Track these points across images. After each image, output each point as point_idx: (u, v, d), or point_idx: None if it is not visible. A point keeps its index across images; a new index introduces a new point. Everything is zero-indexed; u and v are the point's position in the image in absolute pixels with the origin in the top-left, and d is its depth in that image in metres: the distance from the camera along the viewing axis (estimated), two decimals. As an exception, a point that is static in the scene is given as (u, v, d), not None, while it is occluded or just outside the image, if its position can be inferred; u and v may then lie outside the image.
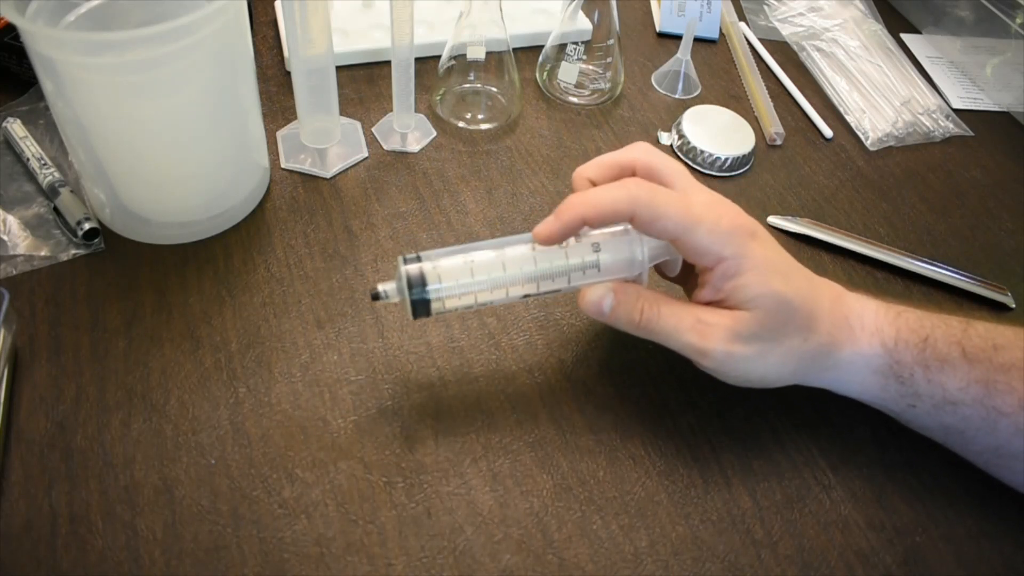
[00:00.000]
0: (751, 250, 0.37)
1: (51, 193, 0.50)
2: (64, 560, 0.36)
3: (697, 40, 0.72)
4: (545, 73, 0.65)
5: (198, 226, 0.50)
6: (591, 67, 0.64)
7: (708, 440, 0.44)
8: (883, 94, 0.68)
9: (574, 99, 0.64)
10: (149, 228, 0.49)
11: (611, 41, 0.63)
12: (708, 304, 0.39)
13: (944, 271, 0.54)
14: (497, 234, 0.53)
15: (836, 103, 0.68)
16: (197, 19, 0.40)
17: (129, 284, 0.47)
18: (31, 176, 0.52)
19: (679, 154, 0.61)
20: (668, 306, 0.39)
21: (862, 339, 0.40)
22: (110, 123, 0.44)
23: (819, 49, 0.73)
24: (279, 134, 0.58)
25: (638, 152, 0.40)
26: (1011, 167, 0.65)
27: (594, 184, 0.41)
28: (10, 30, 0.57)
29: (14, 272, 0.47)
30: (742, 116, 0.63)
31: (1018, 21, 0.69)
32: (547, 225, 0.38)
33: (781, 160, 0.62)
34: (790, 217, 0.57)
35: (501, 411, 0.44)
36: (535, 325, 0.48)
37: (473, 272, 0.39)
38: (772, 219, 0.57)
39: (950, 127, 0.67)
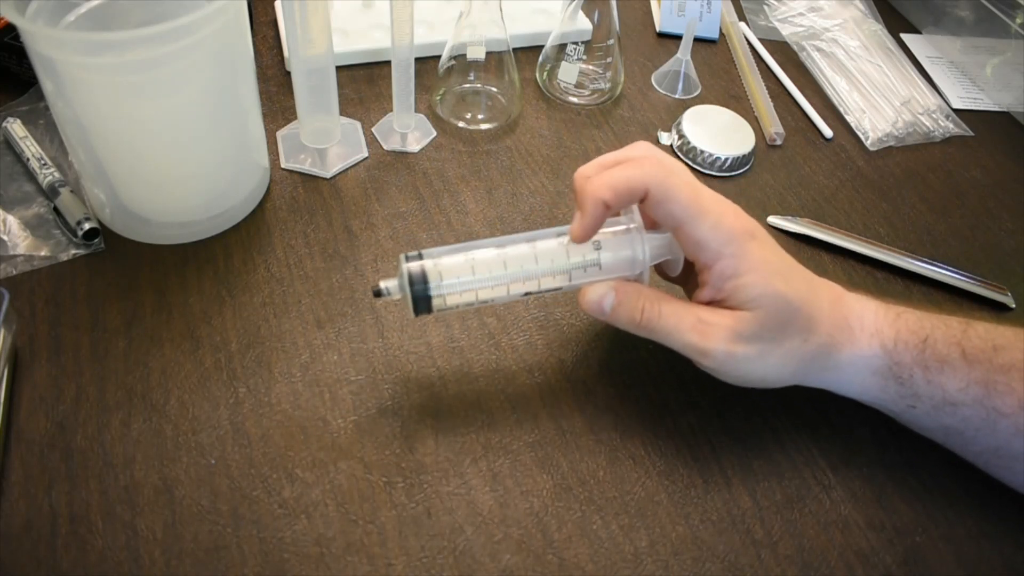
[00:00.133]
0: (751, 251, 0.37)
1: (51, 193, 0.50)
2: (64, 560, 0.36)
3: (697, 40, 0.72)
4: (545, 73, 0.65)
5: (198, 226, 0.50)
6: (591, 67, 0.64)
7: (708, 440, 0.44)
8: (883, 94, 0.68)
9: (574, 99, 0.64)
10: (149, 228, 0.49)
11: (611, 41, 0.63)
12: (708, 304, 0.39)
13: (944, 271, 0.54)
14: (497, 234, 0.53)
15: (836, 103, 0.68)
16: (197, 19, 0.40)
17: (129, 284, 0.47)
18: (31, 176, 0.52)
19: (679, 154, 0.61)
20: (669, 305, 0.39)
21: (862, 340, 0.40)
22: (110, 123, 0.44)
23: (819, 49, 0.73)
24: (279, 134, 0.58)
25: (639, 151, 0.40)
26: (1011, 167, 0.65)
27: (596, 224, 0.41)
28: (10, 30, 0.57)
29: (14, 272, 0.47)
30: (742, 116, 0.63)
31: (1018, 21, 0.69)
32: (577, 226, 0.38)
33: (781, 160, 0.62)
34: (790, 217, 0.57)
35: (501, 411, 0.44)
36: (535, 325, 0.48)
37: (474, 269, 0.39)
38: (772, 219, 0.57)
39: (950, 127, 0.67)
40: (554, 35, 0.64)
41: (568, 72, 0.63)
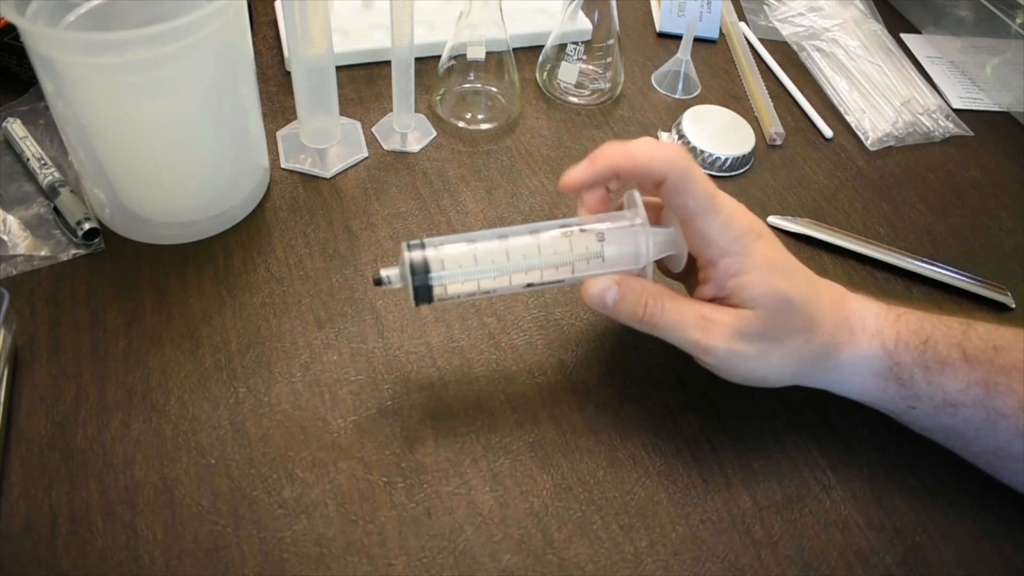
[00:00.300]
0: (756, 250, 0.37)
1: (51, 193, 0.50)
2: (64, 560, 0.36)
3: (697, 40, 0.72)
4: (545, 73, 0.65)
5: (198, 226, 0.50)
6: (591, 67, 0.64)
7: (708, 440, 0.44)
8: (883, 94, 0.68)
9: (574, 99, 0.64)
10: (149, 228, 0.49)
11: (611, 41, 0.63)
12: (710, 301, 0.39)
13: (944, 271, 0.54)
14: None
15: (836, 103, 0.68)
16: (197, 19, 0.40)
17: (129, 284, 0.47)
18: (31, 176, 0.52)
19: (679, 154, 0.61)
20: (672, 301, 0.39)
21: (862, 341, 0.40)
22: (110, 123, 0.44)
23: (819, 49, 0.73)
24: (279, 134, 0.58)
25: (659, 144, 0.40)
26: (1011, 167, 0.65)
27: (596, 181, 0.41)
28: (10, 30, 0.57)
29: (14, 272, 0.47)
30: (742, 116, 0.63)
31: (1018, 21, 0.69)
32: (577, 170, 0.38)
33: (781, 160, 0.62)
34: (790, 217, 0.57)
35: (501, 411, 0.44)
36: (535, 325, 0.48)
37: (476, 258, 0.39)
38: (772, 219, 0.57)
39: (950, 127, 0.67)
40: (554, 35, 0.64)
41: (568, 72, 0.63)
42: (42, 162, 0.52)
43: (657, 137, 0.63)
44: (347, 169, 0.56)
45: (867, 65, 0.71)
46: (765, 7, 0.78)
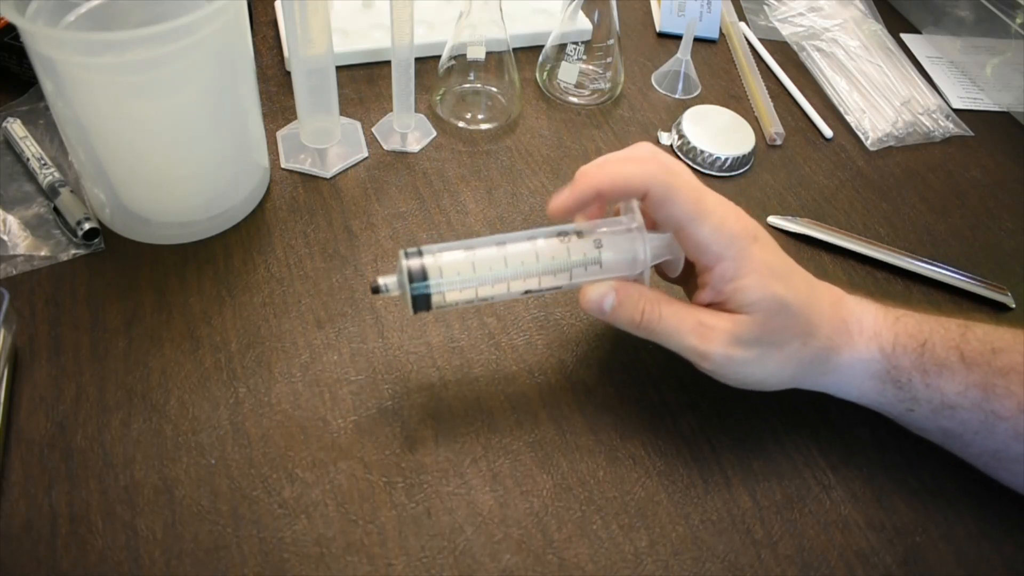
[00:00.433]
0: (752, 253, 0.37)
1: (51, 193, 0.50)
2: (64, 560, 0.36)
3: (697, 40, 0.72)
4: (545, 73, 0.65)
5: (198, 226, 0.50)
6: (591, 67, 0.64)
7: (708, 440, 0.44)
8: (883, 94, 0.68)
9: (574, 99, 0.64)
10: (149, 228, 0.49)
11: (611, 41, 0.63)
12: (708, 306, 0.39)
13: (944, 271, 0.54)
14: (497, 234, 0.53)
15: (836, 103, 0.68)
16: (197, 19, 0.40)
17: (129, 284, 0.47)
18: (31, 176, 0.52)
19: (679, 154, 0.61)
20: (669, 307, 0.39)
21: (860, 344, 0.40)
22: (110, 123, 0.44)
23: (819, 49, 0.73)
24: (279, 134, 0.58)
25: (642, 152, 0.40)
26: (1011, 167, 0.65)
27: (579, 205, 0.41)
28: (10, 30, 0.57)
29: (14, 272, 0.47)
30: (742, 116, 0.63)
31: (1018, 21, 0.69)
32: (560, 196, 0.38)
33: (781, 160, 0.62)
34: (790, 217, 0.57)
35: (501, 411, 0.44)
36: (535, 325, 0.48)
37: (475, 267, 0.39)
38: (772, 219, 0.57)
39: (950, 127, 0.67)
40: (554, 35, 0.64)
41: (568, 72, 0.63)
42: (42, 162, 0.52)
43: (657, 137, 0.63)
44: (347, 169, 0.56)
45: (867, 65, 0.71)
46: (765, 7, 0.78)
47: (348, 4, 0.68)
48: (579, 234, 0.39)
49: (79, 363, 0.43)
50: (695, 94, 0.67)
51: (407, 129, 0.59)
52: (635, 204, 0.40)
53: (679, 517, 0.40)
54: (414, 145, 0.59)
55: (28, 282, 0.47)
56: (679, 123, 0.62)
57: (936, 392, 0.39)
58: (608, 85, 0.65)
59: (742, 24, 0.75)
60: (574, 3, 0.62)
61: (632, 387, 0.46)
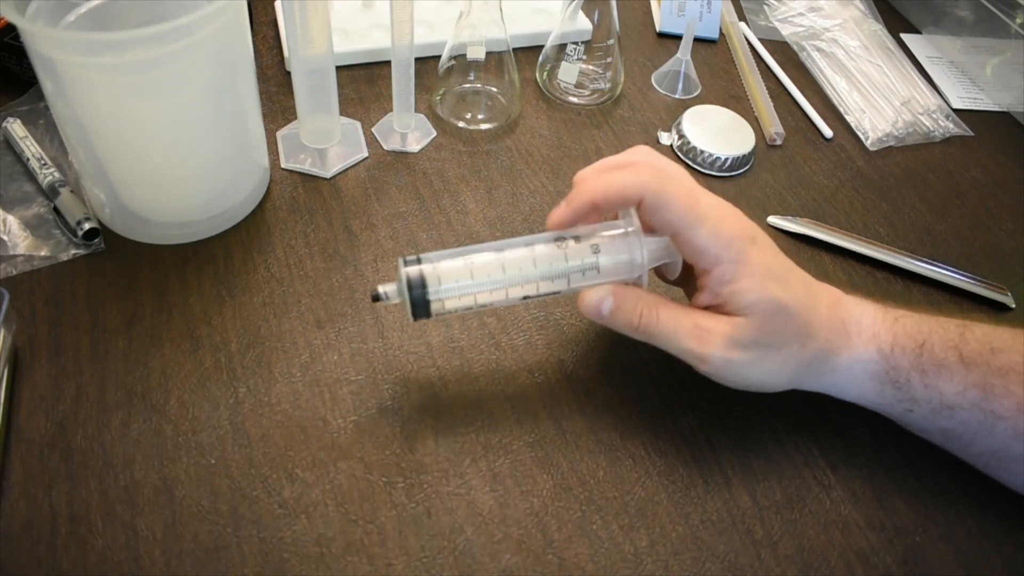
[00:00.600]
0: (750, 255, 0.37)
1: (51, 193, 0.50)
2: (64, 560, 0.36)
3: (697, 40, 0.72)
4: (545, 73, 0.65)
5: (198, 226, 0.50)
6: (591, 67, 0.64)
7: (708, 440, 0.44)
8: (883, 94, 0.68)
9: (574, 99, 0.64)
10: (149, 228, 0.49)
11: (611, 41, 0.63)
12: (707, 308, 0.39)
13: (944, 271, 0.54)
14: (497, 234, 0.53)
15: (836, 103, 0.68)
16: (197, 19, 0.40)
17: (129, 284, 0.47)
18: (31, 176, 0.52)
19: (679, 154, 0.61)
20: (667, 310, 0.39)
21: (858, 345, 0.40)
22: (110, 123, 0.44)
23: (819, 49, 0.73)
24: (279, 134, 0.58)
25: (639, 156, 0.40)
26: (1011, 167, 0.65)
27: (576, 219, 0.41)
28: (10, 30, 0.57)
29: (14, 272, 0.47)
30: (742, 116, 0.63)
31: (1018, 21, 0.69)
32: (558, 211, 0.39)
33: (781, 160, 0.62)
34: (790, 217, 0.57)
35: (501, 411, 0.44)
36: (535, 325, 0.48)
37: (473, 274, 0.39)
38: (772, 219, 0.57)
39: (950, 127, 0.67)
40: (554, 35, 0.64)
41: (568, 72, 0.63)
42: (42, 162, 0.52)
43: (657, 137, 0.63)
44: (347, 169, 0.56)
45: (867, 65, 0.71)
46: (765, 7, 0.78)
47: (348, 4, 0.68)
48: (576, 239, 0.40)
49: (79, 363, 0.43)
50: (695, 94, 0.67)
51: (407, 129, 0.59)
52: (632, 208, 0.40)
53: (679, 517, 0.40)
54: (414, 145, 0.59)
55: (28, 282, 0.47)
56: (679, 123, 0.62)
57: (935, 392, 0.39)
58: (608, 85, 0.65)
59: (742, 24, 0.75)
60: (574, 3, 0.62)
61: (632, 387, 0.46)
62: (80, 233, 0.48)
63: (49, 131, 0.55)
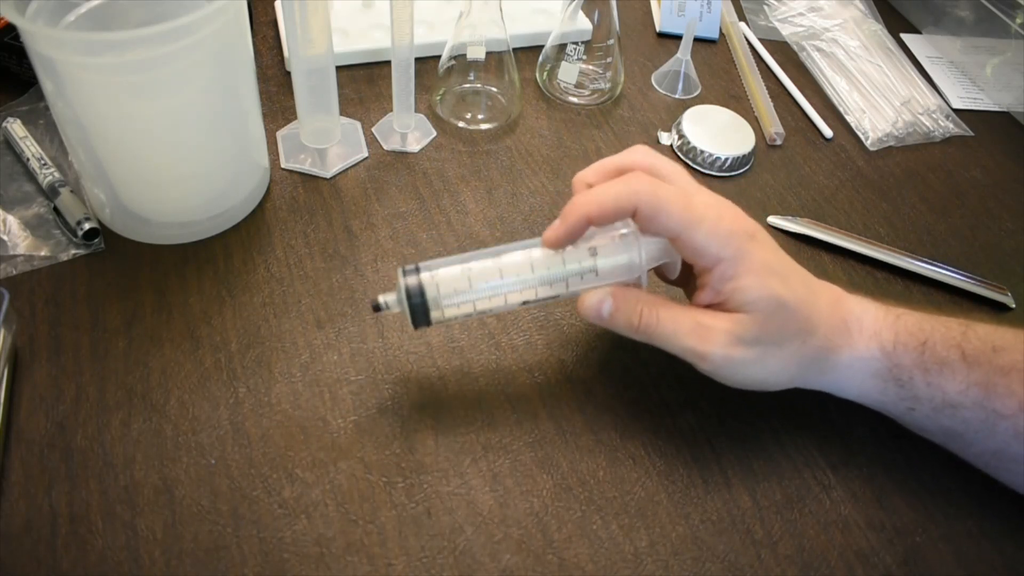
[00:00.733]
0: (750, 252, 0.37)
1: (51, 193, 0.50)
2: (64, 560, 0.36)
3: (697, 40, 0.72)
4: (545, 73, 0.65)
5: (198, 226, 0.50)
6: (591, 67, 0.64)
7: (708, 440, 0.44)
8: (883, 94, 0.68)
9: (574, 99, 0.64)
10: (149, 228, 0.49)
11: (611, 41, 0.63)
12: (707, 307, 0.39)
13: (944, 271, 0.54)
14: (497, 234, 0.53)
15: (836, 103, 0.68)
16: (197, 19, 0.40)
17: (129, 284, 0.47)
18: (31, 176, 0.52)
19: (679, 154, 0.61)
20: (667, 310, 0.39)
21: (860, 343, 0.40)
22: (110, 123, 0.44)
23: (819, 49, 0.73)
24: (279, 134, 0.58)
25: (638, 155, 0.40)
26: (1011, 167, 0.65)
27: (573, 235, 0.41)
28: (10, 30, 0.57)
29: (14, 272, 0.47)
30: (742, 116, 0.63)
31: (1018, 21, 0.69)
32: (554, 230, 0.39)
33: (781, 160, 0.62)
34: (790, 217, 0.57)
35: (501, 411, 0.44)
36: (535, 325, 0.48)
37: (471, 281, 0.39)
38: (772, 219, 0.57)
39: (950, 127, 0.67)
40: (554, 35, 0.64)
41: (568, 72, 0.63)
42: (42, 162, 0.52)
43: (657, 137, 0.63)
44: (347, 169, 0.56)
45: (867, 65, 0.71)
46: (765, 7, 0.78)
47: (348, 4, 0.68)
48: (575, 245, 0.40)
49: (79, 363, 0.43)
50: (695, 94, 0.67)
51: (407, 129, 0.59)
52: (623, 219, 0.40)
53: (679, 517, 0.40)
54: (414, 145, 0.59)
55: (28, 282, 0.47)
56: (679, 123, 0.62)
57: (937, 391, 0.39)
58: (608, 85, 0.65)
59: (742, 24, 0.75)
60: (574, 3, 0.62)
61: (632, 387, 0.46)
62: (80, 233, 0.48)
63: (49, 131, 0.55)
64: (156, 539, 0.37)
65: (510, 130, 0.61)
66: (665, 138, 0.63)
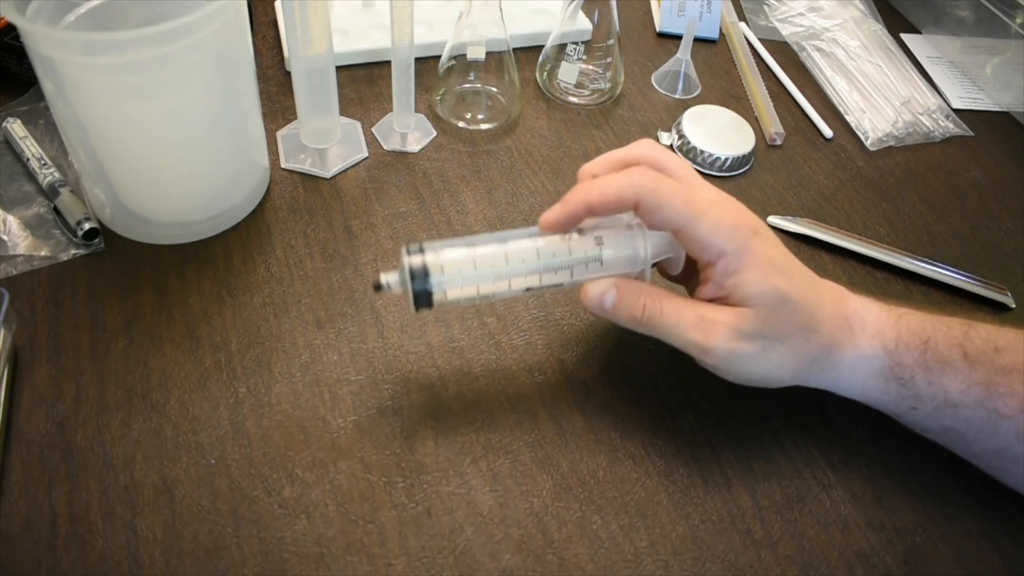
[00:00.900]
0: (753, 247, 0.37)
1: (51, 193, 0.50)
2: (64, 560, 0.36)
3: (697, 40, 0.72)
4: (545, 73, 0.65)
5: (198, 226, 0.50)
6: (591, 67, 0.64)
7: (708, 440, 0.44)
8: (883, 94, 0.68)
9: (574, 99, 0.64)
10: (149, 228, 0.49)
11: (611, 41, 0.63)
12: (710, 301, 0.39)
13: (944, 271, 0.54)
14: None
15: (836, 103, 0.68)
16: (197, 19, 0.40)
17: (129, 284, 0.47)
18: (31, 176, 0.52)
19: (679, 154, 0.61)
20: (671, 302, 0.39)
21: (862, 341, 0.40)
22: (110, 123, 0.44)
23: (819, 49, 0.73)
24: (279, 134, 0.58)
25: (643, 149, 0.40)
26: (1011, 167, 0.65)
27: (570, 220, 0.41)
28: (10, 30, 0.57)
29: (14, 272, 0.47)
30: (742, 116, 0.63)
31: (1018, 21, 0.69)
32: (552, 212, 0.38)
33: (781, 160, 0.62)
34: (790, 217, 0.57)
35: (501, 411, 0.44)
36: (535, 325, 0.48)
37: (476, 264, 0.39)
38: (772, 219, 0.57)
39: (950, 127, 0.67)
40: (554, 35, 0.64)
41: (568, 72, 0.63)
42: (42, 162, 0.52)
43: (657, 137, 0.63)
44: (347, 169, 0.56)
45: (867, 65, 0.71)
46: (765, 7, 0.78)
47: (348, 4, 0.68)
48: (580, 231, 0.40)
49: (79, 363, 0.43)
50: (695, 94, 0.67)
51: (407, 129, 0.59)
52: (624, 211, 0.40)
53: (679, 517, 0.40)
54: (414, 145, 0.59)
55: (28, 282, 0.47)
56: (679, 123, 0.62)
57: (939, 390, 0.39)
58: (608, 85, 0.65)
59: (742, 24, 0.75)
60: (574, 3, 0.62)
61: (632, 387, 0.46)
62: (80, 233, 0.48)
63: (49, 131, 0.55)
64: (156, 539, 0.37)
65: (510, 130, 0.61)
66: (665, 138, 0.63)
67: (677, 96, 0.67)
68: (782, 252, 0.39)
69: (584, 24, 0.64)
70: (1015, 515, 0.42)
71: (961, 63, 0.74)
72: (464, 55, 0.59)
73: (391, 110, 0.60)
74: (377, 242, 0.52)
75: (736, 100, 0.67)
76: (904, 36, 0.77)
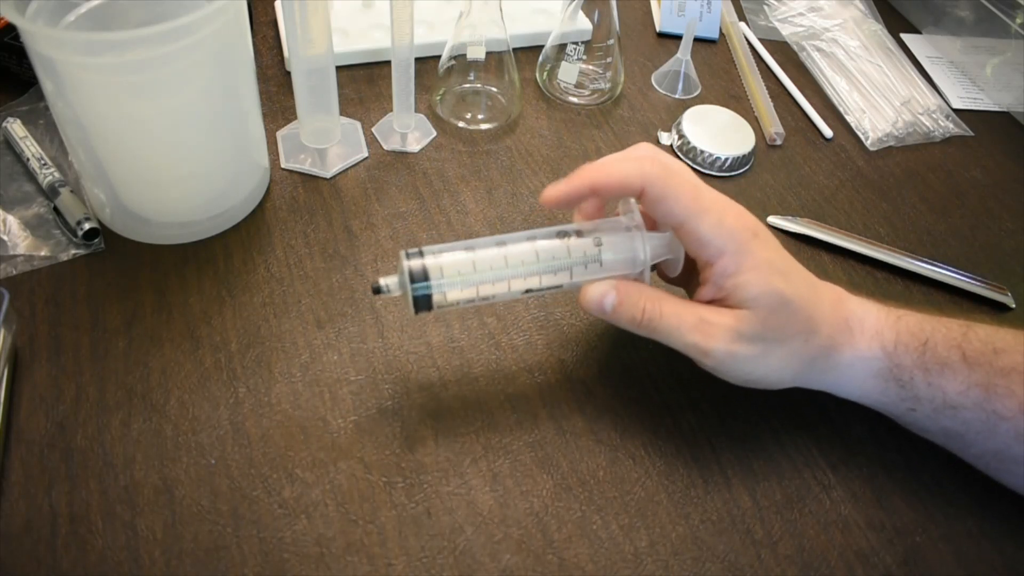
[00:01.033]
0: (753, 249, 0.37)
1: (51, 193, 0.50)
2: (64, 560, 0.36)
3: (697, 40, 0.72)
4: (545, 73, 0.65)
5: (198, 226, 0.50)
6: (591, 67, 0.64)
7: (708, 440, 0.44)
8: (883, 94, 0.68)
9: (574, 99, 0.64)
10: (149, 228, 0.49)
11: (611, 41, 0.63)
12: (709, 303, 0.39)
13: (944, 271, 0.54)
14: (497, 234, 0.53)
15: (836, 103, 0.68)
16: (197, 19, 0.40)
17: (129, 284, 0.47)
18: (31, 176, 0.52)
19: (679, 154, 0.61)
20: (670, 304, 0.39)
21: (861, 342, 0.40)
22: (110, 123, 0.44)
23: (819, 49, 0.73)
24: (279, 134, 0.58)
25: (643, 152, 0.40)
26: (1011, 167, 0.65)
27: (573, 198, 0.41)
28: (10, 30, 0.57)
29: (14, 272, 0.47)
30: (742, 116, 0.63)
31: (1018, 21, 0.69)
32: (554, 187, 0.38)
33: (781, 160, 0.62)
34: (790, 217, 0.57)
35: (501, 411, 0.44)
36: (535, 325, 0.48)
37: (475, 266, 0.39)
38: (772, 219, 0.57)
39: (950, 127, 0.67)
40: (554, 35, 0.64)
41: (568, 72, 0.63)
42: (42, 162, 0.52)
43: (657, 137, 0.63)
44: (347, 169, 0.56)
45: (867, 65, 0.71)
46: (765, 7, 0.78)
47: (348, 4, 0.68)
48: (579, 233, 0.40)
49: (79, 363, 0.43)
50: (695, 94, 0.67)
51: (407, 129, 0.59)
52: (634, 204, 0.40)
53: (679, 517, 0.40)
54: (414, 145, 0.59)
55: (28, 282, 0.47)
56: (679, 123, 0.62)
57: (938, 391, 0.39)
58: (608, 85, 0.65)
59: (742, 24, 0.75)
60: (574, 3, 0.62)
61: (632, 387, 0.46)
62: (80, 233, 0.48)
63: (49, 131, 0.55)
64: (156, 539, 0.37)
65: (510, 130, 0.61)
66: (665, 138, 0.63)
67: (677, 96, 0.67)
68: (781, 254, 0.39)
69: (584, 24, 0.64)
70: (1015, 515, 0.42)
71: (961, 63, 0.74)
72: (464, 55, 0.59)
73: (391, 110, 0.60)
74: (377, 242, 0.52)
75: (736, 100, 0.67)
76: (904, 36, 0.77)
